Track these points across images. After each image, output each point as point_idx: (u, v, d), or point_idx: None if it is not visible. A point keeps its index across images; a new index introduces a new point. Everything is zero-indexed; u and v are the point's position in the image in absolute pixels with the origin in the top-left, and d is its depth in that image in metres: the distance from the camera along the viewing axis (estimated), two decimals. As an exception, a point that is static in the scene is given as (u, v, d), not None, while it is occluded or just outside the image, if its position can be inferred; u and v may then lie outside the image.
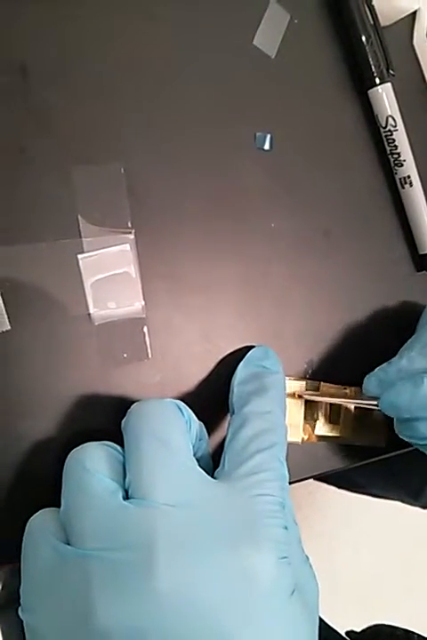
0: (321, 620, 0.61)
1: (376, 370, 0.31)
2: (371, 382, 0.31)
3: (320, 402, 0.34)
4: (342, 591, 1.14)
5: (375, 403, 0.30)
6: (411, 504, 0.95)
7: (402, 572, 1.18)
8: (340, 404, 0.34)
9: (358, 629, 0.59)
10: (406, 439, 0.31)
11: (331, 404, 0.34)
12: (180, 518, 0.22)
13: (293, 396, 0.33)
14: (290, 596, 0.23)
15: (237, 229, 0.33)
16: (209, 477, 0.24)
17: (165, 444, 0.24)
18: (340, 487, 0.99)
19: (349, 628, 0.60)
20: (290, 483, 0.33)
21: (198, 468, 0.25)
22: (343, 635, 0.59)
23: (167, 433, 0.24)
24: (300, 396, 0.33)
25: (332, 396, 0.34)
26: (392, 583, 1.17)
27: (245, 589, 0.22)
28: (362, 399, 0.32)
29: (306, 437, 0.33)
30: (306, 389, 0.34)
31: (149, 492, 0.23)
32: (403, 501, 0.96)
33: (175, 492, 0.23)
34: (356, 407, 0.34)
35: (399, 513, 0.99)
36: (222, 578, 0.21)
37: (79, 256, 0.28)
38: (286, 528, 0.24)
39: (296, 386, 0.33)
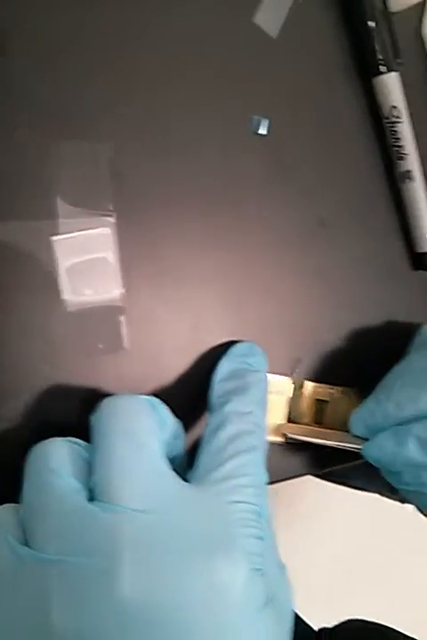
0: (295, 616, 0.61)
1: (362, 408, 0.30)
2: (357, 423, 0.30)
3: (304, 401, 0.32)
4: (317, 581, 1.14)
5: (360, 447, 0.29)
6: (389, 497, 0.95)
7: (377, 564, 1.19)
8: (324, 404, 0.33)
9: (331, 626, 0.58)
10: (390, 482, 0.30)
11: (316, 404, 0.33)
12: (148, 525, 0.21)
13: (277, 433, 0.32)
14: (262, 609, 0.22)
15: (228, 217, 0.31)
16: (182, 481, 0.23)
17: (135, 444, 0.23)
18: (319, 477, 0.99)
19: (322, 626, 0.59)
20: (272, 483, 0.32)
21: (171, 470, 0.23)
22: (316, 630, 0.59)
23: (139, 433, 0.23)
24: (284, 435, 0.32)
25: (319, 394, 0.33)
26: (367, 575, 1.18)
27: (214, 603, 0.20)
28: (345, 439, 0.31)
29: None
30: (292, 388, 0.32)
31: (117, 496, 0.21)
32: (382, 494, 0.96)
33: (144, 496, 0.22)
34: (342, 409, 0.33)
35: (377, 505, 0.99)
36: (191, 590, 0.20)
37: (54, 237, 0.26)
38: (261, 538, 0.23)
39: (281, 383, 0.32)
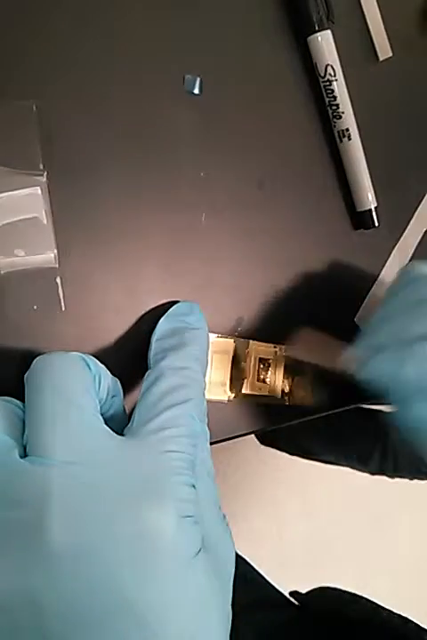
0: (264, 579, 0.62)
1: (359, 343, 0.31)
2: (352, 358, 0.31)
3: (248, 360, 0.33)
4: (292, 556, 1.16)
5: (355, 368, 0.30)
6: (360, 470, 0.97)
7: (351, 537, 1.21)
8: (267, 362, 0.33)
9: (304, 591, 0.59)
10: (410, 425, 0.30)
11: (260, 363, 0.33)
12: (77, 476, 0.21)
13: (222, 391, 0.32)
14: (195, 556, 0.22)
15: (164, 177, 0.31)
16: (114, 434, 0.23)
17: (66, 399, 0.23)
18: (291, 453, 1.00)
19: (293, 589, 0.60)
20: (217, 442, 0.32)
21: (103, 425, 0.23)
22: (287, 595, 0.60)
23: (69, 388, 0.23)
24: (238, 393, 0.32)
25: (262, 353, 0.33)
26: (341, 548, 1.20)
27: (143, 549, 0.21)
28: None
29: (233, 396, 0.32)
30: (235, 347, 0.33)
31: (46, 449, 0.21)
32: (353, 468, 0.98)
33: (74, 448, 0.22)
34: (285, 366, 0.33)
35: (349, 479, 1.00)
36: (119, 538, 0.20)
37: (-16, 198, 0.26)
38: (193, 486, 0.23)
39: (224, 343, 0.32)
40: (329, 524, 1.20)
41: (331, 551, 1.19)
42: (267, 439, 1.01)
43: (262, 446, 1.01)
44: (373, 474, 0.96)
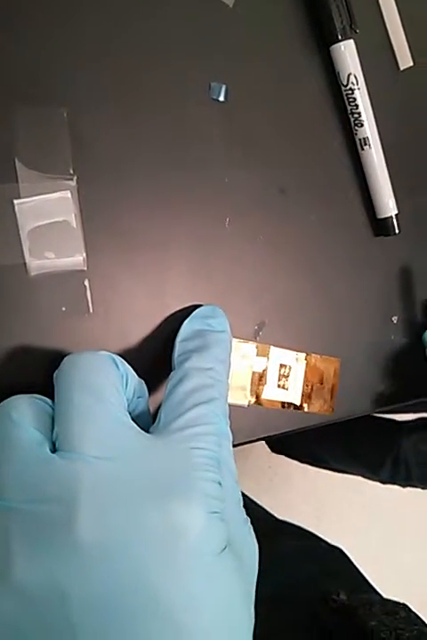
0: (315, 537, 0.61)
1: None
2: None
3: (268, 366, 0.33)
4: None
5: None
6: (371, 479, 0.97)
7: (361, 545, 1.20)
8: (287, 368, 0.33)
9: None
10: None
11: (280, 369, 0.33)
12: (107, 471, 0.21)
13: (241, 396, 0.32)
14: (221, 553, 0.22)
15: (189, 183, 0.31)
16: (142, 431, 0.24)
17: (95, 396, 0.23)
18: (302, 461, 1.00)
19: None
20: (236, 445, 0.33)
21: (131, 421, 0.24)
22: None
23: (99, 385, 0.23)
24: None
25: (282, 359, 0.33)
26: (351, 556, 1.19)
27: (172, 544, 0.21)
28: None
29: (253, 401, 0.33)
30: (256, 352, 0.33)
31: (76, 444, 0.22)
32: (364, 476, 0.97)
33: (104, 444, 0.22)
34: (305, 373, 0.34)
35: (360, 487, 1.00)
36: (148, 532, 0.21)
37: (15, 201, 0.26)
38: (219, 483, 0.23)
39: (245, 348, 0.33)
40: (339, 533, 1.19)
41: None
42: (277, 446, 1.01)
43: (273, 453, 1.01)
44: (384, 483, 0.96)
